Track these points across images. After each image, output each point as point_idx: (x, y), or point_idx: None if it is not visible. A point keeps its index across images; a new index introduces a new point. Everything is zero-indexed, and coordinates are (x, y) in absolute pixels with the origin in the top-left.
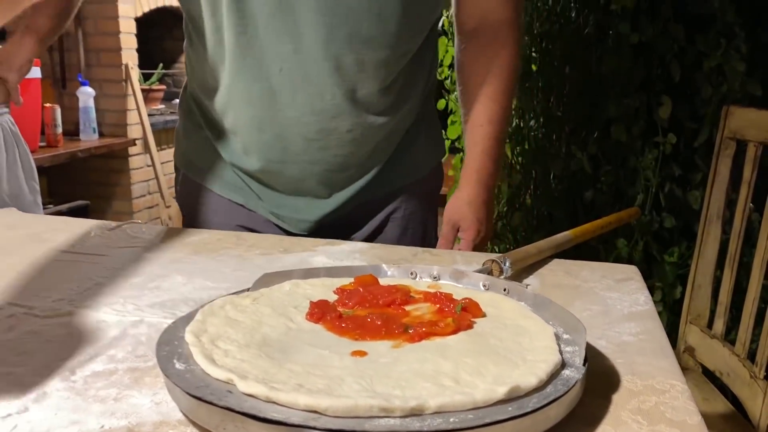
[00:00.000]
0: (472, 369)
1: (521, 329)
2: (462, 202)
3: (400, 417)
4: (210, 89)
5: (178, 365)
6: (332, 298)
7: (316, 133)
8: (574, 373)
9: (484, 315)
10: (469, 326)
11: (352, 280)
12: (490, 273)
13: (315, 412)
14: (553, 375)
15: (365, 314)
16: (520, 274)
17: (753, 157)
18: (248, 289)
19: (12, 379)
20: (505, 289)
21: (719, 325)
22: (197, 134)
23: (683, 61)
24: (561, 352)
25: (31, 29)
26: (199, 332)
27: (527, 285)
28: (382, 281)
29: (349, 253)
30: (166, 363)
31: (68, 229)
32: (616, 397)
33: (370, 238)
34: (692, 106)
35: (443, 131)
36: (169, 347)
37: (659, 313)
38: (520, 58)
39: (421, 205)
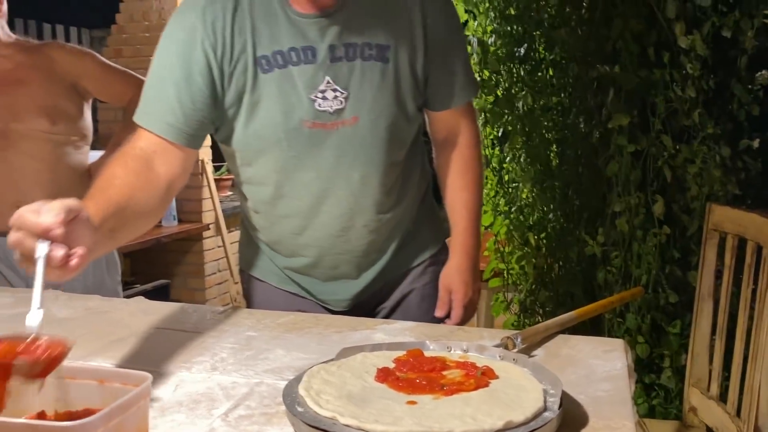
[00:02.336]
0: (485, 412)
1: (521, 387)
2: (452, 271)
3: None
4: (257, 211)
5: (299, 408)
6: (392, 365)
7: (340, 231)
8: (551, 414)
9: (497, 377)
10: (486, 385)
11: (405, 352)
12: (506, 347)
13: None
14: (537, 414)
15: (415, 377)
16: (532, 346)
17: (731, 246)
18: (332, 359)
19: (189, 420)
20: (513, 359)
21: (714, 388)
22: (254, 244)
23: (673, 165)
24: (545, 401)
25: None
26: (307, 388)
27: (534, 355)
28: (426, 353)
29: (401, 330)
30: (292, 407)
31: (197, 312)
32: None
33: (396, 306)
34: (684, 200)
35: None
36: (290, 398)
37: (668, 378)
38: (480, 155)
39: (435, 277)
